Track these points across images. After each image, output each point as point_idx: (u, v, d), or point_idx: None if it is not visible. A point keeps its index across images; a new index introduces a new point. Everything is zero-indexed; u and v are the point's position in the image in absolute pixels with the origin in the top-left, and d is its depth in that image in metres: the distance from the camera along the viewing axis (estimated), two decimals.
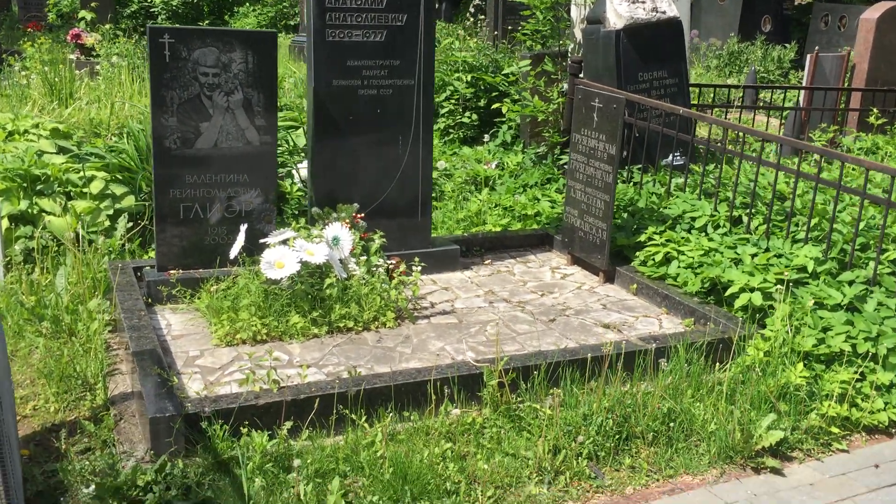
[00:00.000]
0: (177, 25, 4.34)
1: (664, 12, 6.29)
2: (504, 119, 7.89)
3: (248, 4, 20.45)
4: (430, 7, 4.90)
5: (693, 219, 5.25)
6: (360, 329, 4.34)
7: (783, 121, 8.27)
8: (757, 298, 4.24)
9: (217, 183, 4.63)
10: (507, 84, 7.46)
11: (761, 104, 8.26)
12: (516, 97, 7.07)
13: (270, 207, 4.83)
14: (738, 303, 4.28)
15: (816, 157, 6.48)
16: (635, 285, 5.00)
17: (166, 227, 4.61)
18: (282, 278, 4.18)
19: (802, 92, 8.20)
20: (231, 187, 4.67)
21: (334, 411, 3.43)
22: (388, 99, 4.96)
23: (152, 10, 17.98)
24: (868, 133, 8.14)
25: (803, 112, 7.95)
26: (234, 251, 4.44)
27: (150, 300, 4.53)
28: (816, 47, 9.25)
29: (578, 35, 7.17)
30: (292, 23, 19.70)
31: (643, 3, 6.27)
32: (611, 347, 3.69)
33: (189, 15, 17.83)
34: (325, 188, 4.97)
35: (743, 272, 4.50)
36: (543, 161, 7.03)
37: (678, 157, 6.60)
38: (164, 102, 4.41)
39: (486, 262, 5.55)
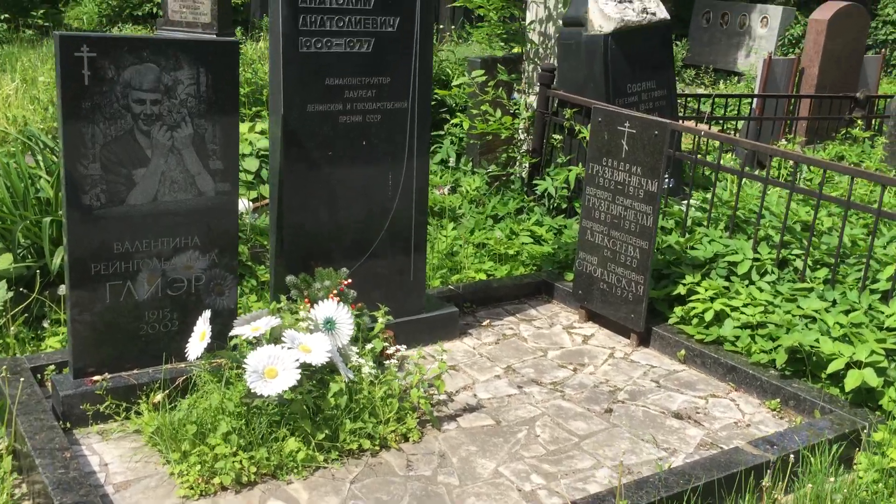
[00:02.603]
0: (99, 33, 3.01)
1: (654, 13, 5.43)
2: (444, 133, 6.83)
3: None
4: (427, 7, 3.78)
5: (732, 263, 4.41)
6: (377, 448, 3.19)
7: (727, 130, 7.66)
8: (871, 378, 3.43)
9: (157, 251, 3.33)
10: (462, 97, 6.41)
11: (693, 114, 7.63)
12: (474, 111, 6.03)
13: (222, 274, 3.57)
14: (848, 384, 3.45)
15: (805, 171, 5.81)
16: (683, 351, 4.10)
17: (85, 315, 3.27)
18: (277, 393, 2.97)
19: (755, 100, 7.62)
20: (176, 255, 3.38)
21: None
22: (376, 127, 3.80)
23: None
24: (822, 142, 7.69)
25: (759, 122, 7.37)
26: (193, 350, 3.17)
27: (67, 424, 3.18)
28: (769, 51, 8.75)
29: (535, 38, 6.22)
30: (139, 13, 17.63)
31: (630, 2, 5.38)
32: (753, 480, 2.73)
33: (20, 3, 15.52)
34: (297, 245, 3.76)
35: (833, 339, 3.69)
36: (510, 187, 6.03)
37: (667, 180, 5.78)
38: (83, 142, 3.07)
39: (485, 322, 4.50)
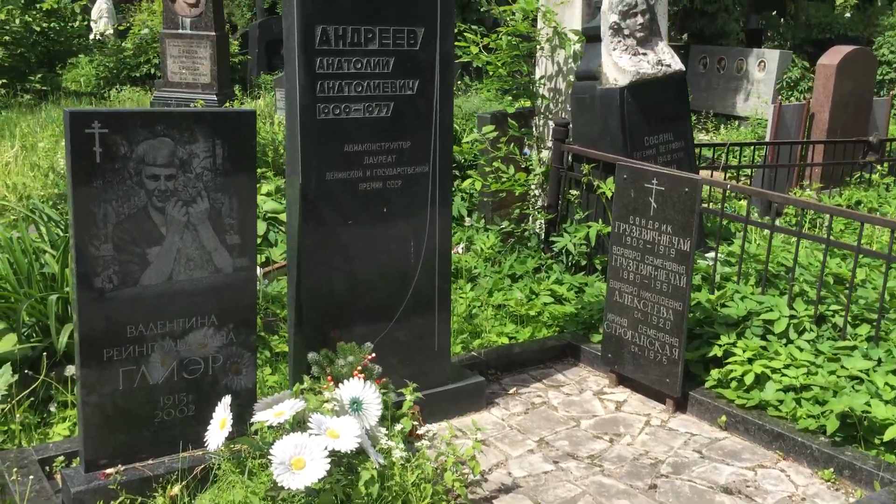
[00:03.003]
0: (112, 108, 2.87)
1: (669, 65, 5.33)
2: (455, 190, 6.69)
3: (82, 55, 18.21)
4: (447, 68, 3.66)
5: (767, 321, 4.23)
6: None
7: (742, 178, 7.54)
8: None
9: (171, 332, 3.15)
10: (472, 153, 6.30)
11: (706, 163, 7.53)
12: (486, 168, 5.90)
13: (239, 352, 3.38)
14: None
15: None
16: (724, 417, 3.90)
17: (96, 402, 3.07)
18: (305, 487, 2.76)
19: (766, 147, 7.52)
20: (191, 334, 3.20)
21: None
22: (396, 193, 3.65)
23: None
24: (837, 187, 7.58)
25: (773, 170, 7.26)
26: (213, 439, 2.97)
27: None
28: (770, 95, 8.68)
29: (545, 92, 6.12)
30: (136, 74, 17.64)
31: (645, 54, 5.29)
32: None
33: (17, 68, 15.52)
34: (316, 318, 3.59)
35: (885, 402, 3.50)
36: (525, 244, 5.87)
37: None
38: (94, 223, 2.91)
39: (511, 390, 4.30)
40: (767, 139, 7.78)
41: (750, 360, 3.99)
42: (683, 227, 3.89)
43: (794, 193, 6.86)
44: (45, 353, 4.08)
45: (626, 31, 5.26)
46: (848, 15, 17.54)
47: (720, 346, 4.10)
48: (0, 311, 4.19)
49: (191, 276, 3.14)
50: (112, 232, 2.95)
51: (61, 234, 4.61)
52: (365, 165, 3.54)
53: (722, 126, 13.98)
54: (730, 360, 4.02)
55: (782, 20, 18.61)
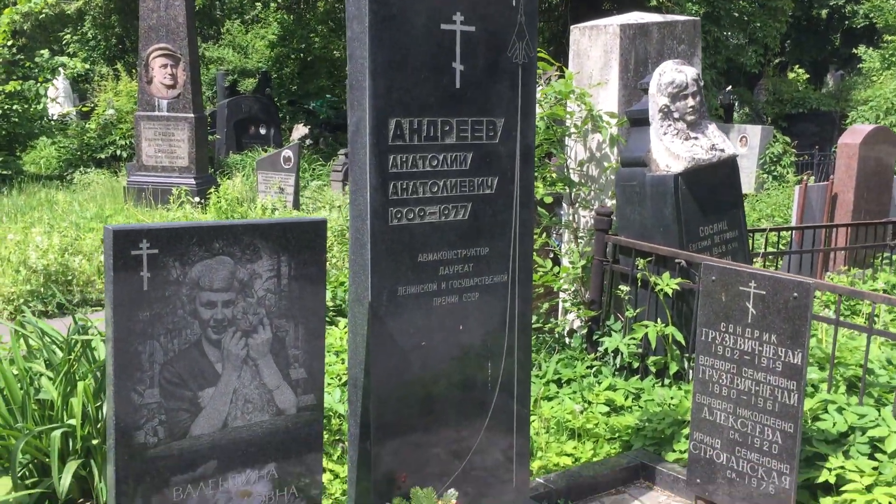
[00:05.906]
0: (162, 223, 2.34)
1: (723, 150, 4.96)
2: None
3: (44, 136, 17.54)
4: (527, 163, 3.20)
5: (875, 438, 3.75)
6: None
7: (774, 264, 7.17)
8: None
9: (225, 490, 2.56)
10: None
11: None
12: None
13: None
14: None
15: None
16: None
17: None
18: None
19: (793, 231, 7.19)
20: (243, 487, 2.61)
21: None
22: (473, 308, 3.13)
23: None
24: (862, 269, 7.25)
25: (800, 255, 6.91)
26: None
27: None
28: (804, 176, 8.41)
29: (576, 177, 5.71)
30: (101, 156, 17.00)
31: (696, 138, 4.91)
32: None
33: None
34: (383, 458, 3.00)
35: None
36: (565, 344, 5.37)
37: None
38: (139, 365, 2.34)
39: None
40: (794, 222, 7.47)
41: (868, 489, 3.49)
42: (792, 337, 3.42)
43: (832, 279, 6.50)
44: (45, 499, 3.44)
45: (676, 115, 4.89)
46: (825, 91, 17.74)
47: (830, 469, 3.60)
48: None
49: (249, 420, 2.57)
50: (159, 374, 2.38)
51: (58, 351, 3.99)
52: (440, 277, 3.03)
53: None
54: (846, 487, 3.52)
55: (754, 94, 18.78)
